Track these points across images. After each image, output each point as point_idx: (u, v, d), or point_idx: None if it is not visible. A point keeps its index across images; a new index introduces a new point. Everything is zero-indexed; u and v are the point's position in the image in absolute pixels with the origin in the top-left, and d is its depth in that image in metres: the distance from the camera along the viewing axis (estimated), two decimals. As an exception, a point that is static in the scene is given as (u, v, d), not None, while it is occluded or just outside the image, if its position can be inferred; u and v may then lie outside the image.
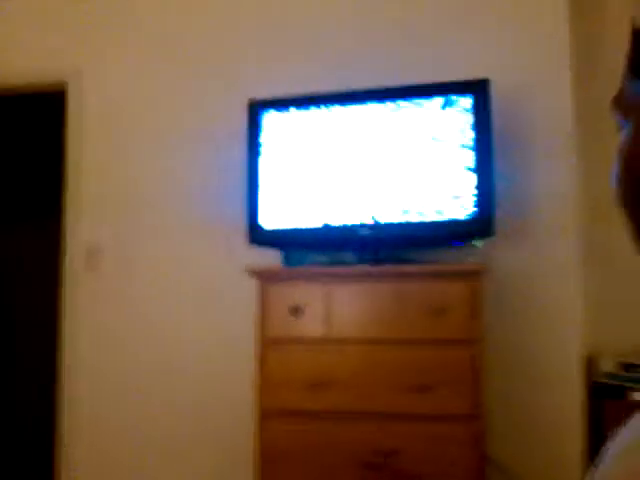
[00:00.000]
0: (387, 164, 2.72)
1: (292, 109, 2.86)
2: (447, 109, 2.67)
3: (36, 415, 4.42)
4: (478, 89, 2.65)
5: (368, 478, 2.45)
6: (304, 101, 2.86)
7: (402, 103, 2.73)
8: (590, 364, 2.86)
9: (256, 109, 2.90)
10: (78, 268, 3.40)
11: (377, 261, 2.72)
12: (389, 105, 2.74)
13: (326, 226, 2.75)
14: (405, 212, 2.67)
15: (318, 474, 2.50)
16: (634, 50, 0.54)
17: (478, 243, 2.85)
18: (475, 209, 2.60)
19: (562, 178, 2.91)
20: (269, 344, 2.62)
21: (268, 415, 2.58)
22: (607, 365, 2.78)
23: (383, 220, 2.69)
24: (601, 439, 2.68)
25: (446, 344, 2.47)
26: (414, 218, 2.66)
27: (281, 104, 2.88)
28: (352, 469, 2.46)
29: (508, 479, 2.79)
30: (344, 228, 2.73)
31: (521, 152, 2.95)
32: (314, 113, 2.83)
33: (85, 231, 3.42)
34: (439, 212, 2.63)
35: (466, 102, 2.66)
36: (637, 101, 0.54)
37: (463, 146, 2.64)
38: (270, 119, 2.87)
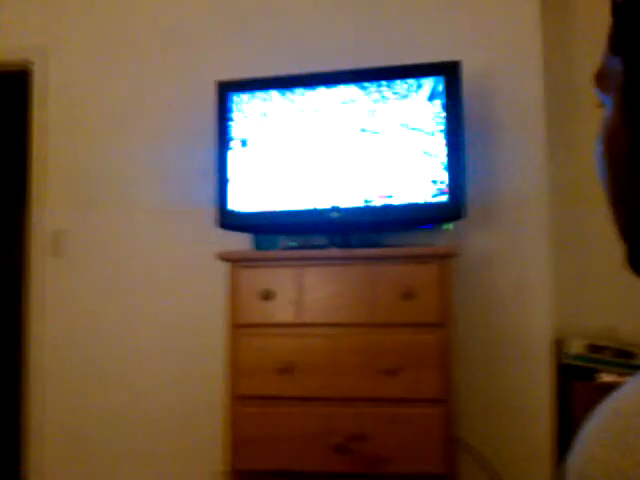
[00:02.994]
0: (358, 147, 2.69)
1: (261, 91, 2.81)
2: (417, 91, 2.65)
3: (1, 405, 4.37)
4: (448, 71, 2.63)
5: (337, 462, 2.44)
6: (273, 83, 2.81)
7: (370, 86, 2.70)
8: (559, 346, 2.88)
9: (225, 91, 2.84)
10: (44, 254, 3.32)
11: (348, 245, 2.71)
12: (358, 88, 2.71)
13: (296, 209, 2.72)
14: (376, 195, 2.65)
15: (288, 458, 2.49)
16: (613, 25, 0.53)
17: (448, 226, 2.85)
18: (446, 192, 2.59)
19: (533, 161, 2.91)
20: (239, 328, 2.59)
21: (238, 399, 2.56)
22: (576, 347, 2.80)
23: (353, 204, 2.67)
24: (570, 420, 2.71)
25: (415, 327, 2.47)
26: (385, 201, 2.64)
27: (250, 86, 2.83)
28: (322, 453, 2.46)
29: (478, 461, 2.81)
30: (314, 211, 2.70)
31: (492, 135, 2.95)
32: (284, 96, 2.79)
33: (51, 216, 3.34)
34: (410, 195, 2.62)
35: (436, 85, 2.64)
36: (617, 77, 0.53)
37: (434, 129, 2.62)
38: (239, 101, 2.83)
